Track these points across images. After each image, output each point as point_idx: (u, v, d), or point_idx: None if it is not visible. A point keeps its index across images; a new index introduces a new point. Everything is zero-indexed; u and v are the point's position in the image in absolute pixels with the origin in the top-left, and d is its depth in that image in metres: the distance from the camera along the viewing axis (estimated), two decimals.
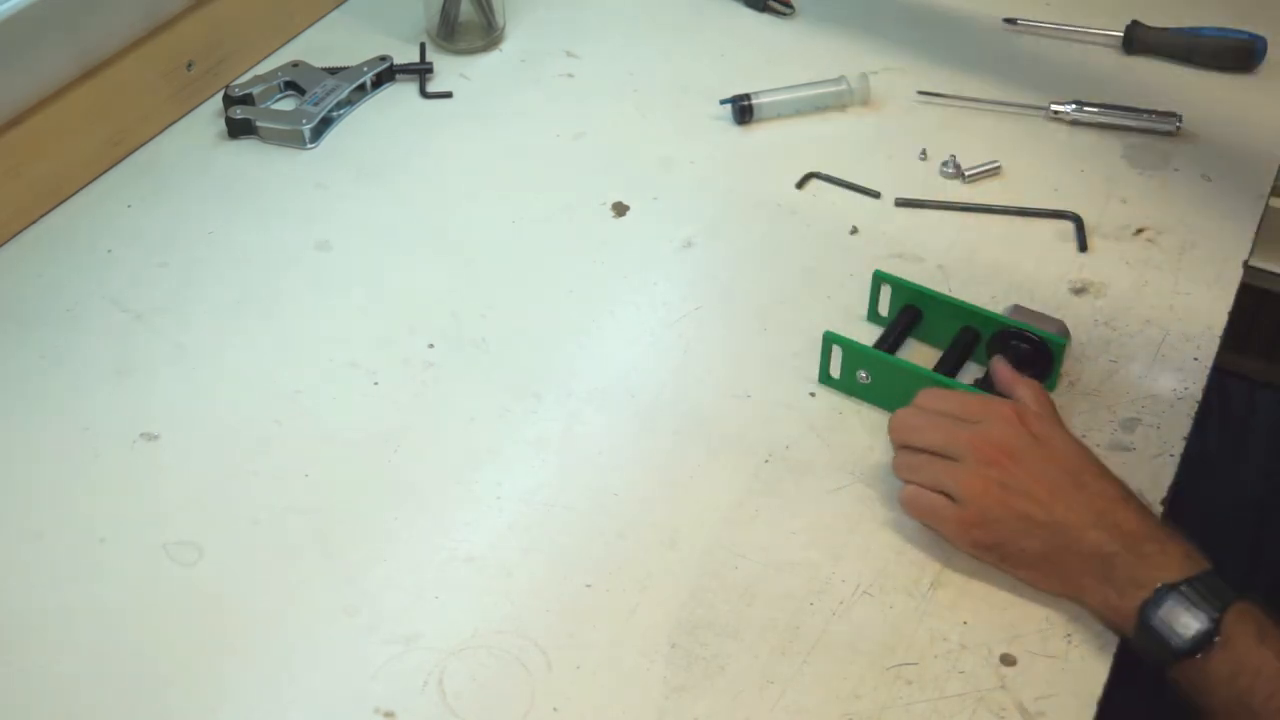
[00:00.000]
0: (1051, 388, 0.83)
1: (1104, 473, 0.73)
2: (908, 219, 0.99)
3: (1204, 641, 0.66)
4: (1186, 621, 0.66)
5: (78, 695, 0.69)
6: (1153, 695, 0.69)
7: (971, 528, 0.73)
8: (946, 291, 0.89)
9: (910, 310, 0.88)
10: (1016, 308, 0.86)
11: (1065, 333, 0.84)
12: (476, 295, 0.93)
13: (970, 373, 0.85)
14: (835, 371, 0.84)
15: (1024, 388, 0.78)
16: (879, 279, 0.88)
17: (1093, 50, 1.16)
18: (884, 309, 0.89)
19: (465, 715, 0.68)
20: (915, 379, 0.81)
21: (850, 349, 0.83)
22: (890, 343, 0.86)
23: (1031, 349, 0.82)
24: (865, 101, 1.10)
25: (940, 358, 0.84)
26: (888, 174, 1.03)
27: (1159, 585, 0.67)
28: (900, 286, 0.88)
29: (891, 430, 0.77)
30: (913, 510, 0.75)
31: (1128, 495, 0.72)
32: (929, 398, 0.78)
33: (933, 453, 0.75)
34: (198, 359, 0.89)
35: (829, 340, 0.84)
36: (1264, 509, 1.17)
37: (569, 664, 0.70)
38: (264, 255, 0.97)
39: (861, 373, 0.83)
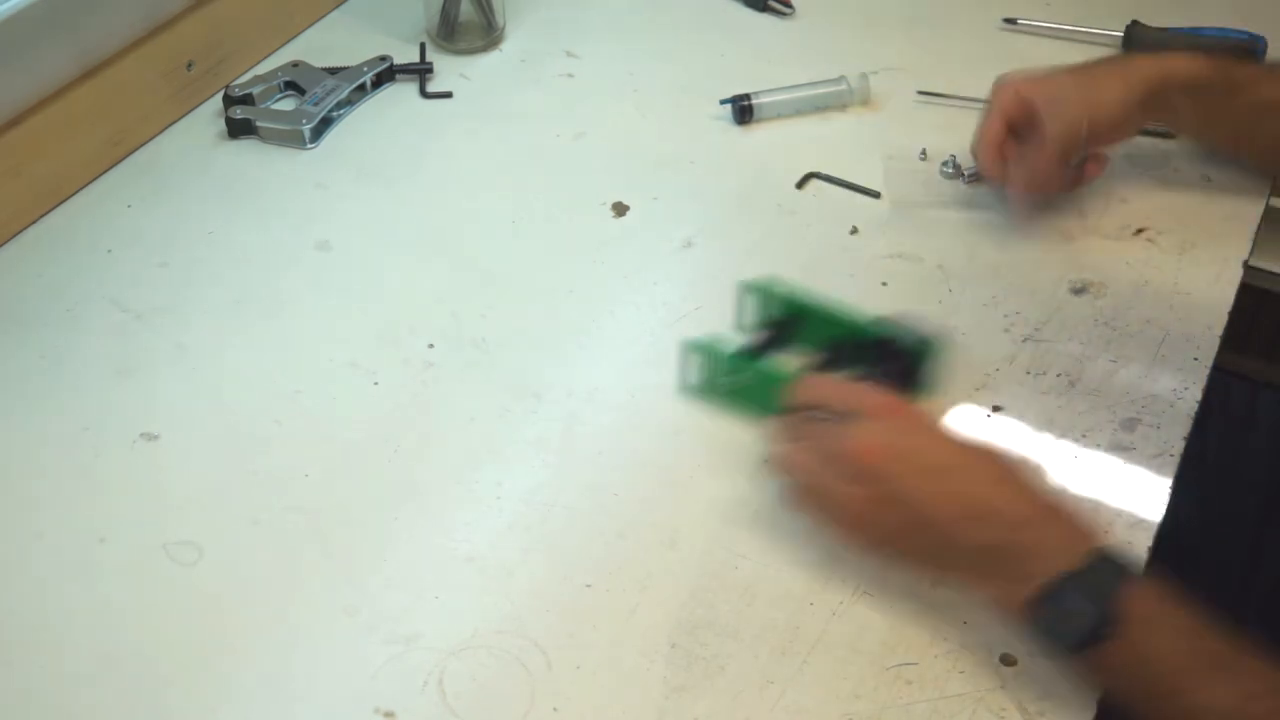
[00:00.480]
0: (925, 394, 0.83)
1: (982, 457, 0.70)
2: (908, 219, 0.99)
3: (1096, 635, 0.64)
4: (1075, 616, 0.64)
5: (78, 695, 0.70)
6: None
7: (853, 534, 0.73)
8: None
9: (782, 319, 0.86)
10: (883, 319, 0.84)
11: (934, 339, 0.82)
12: (476, 295, 0.93)
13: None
14: (700, 379, 0.84)
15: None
16: (747, 289, 0.87)
17: (1093, 50, 1.16)
18: (757, 317, 0.88)
19: (465, 715, 0.68)
20: (779, 384, 0.79)
21: (715, 356, 0.82)
22: (757, 351, 0.85)
23: (900, 355, 0.82)
24: (865, 101, 1.10)
25: (808, 365, 0.83)
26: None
27: (1044, 579, 0.66)
28: (771, 295, 0.87)
29: (774, 454, 0.77)
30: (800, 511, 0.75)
31: (1005, 479, 0.69)
32: (807, 390, 0.76)
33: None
34: (198, 359, 0.89)
35: (694, 348, 0.83)
36: (1264, 509, 1.17)
37: (569, 664, 0.70)
38: (264, 255, 0.97)
39: (724, 380, 0.82)
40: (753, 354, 0.84)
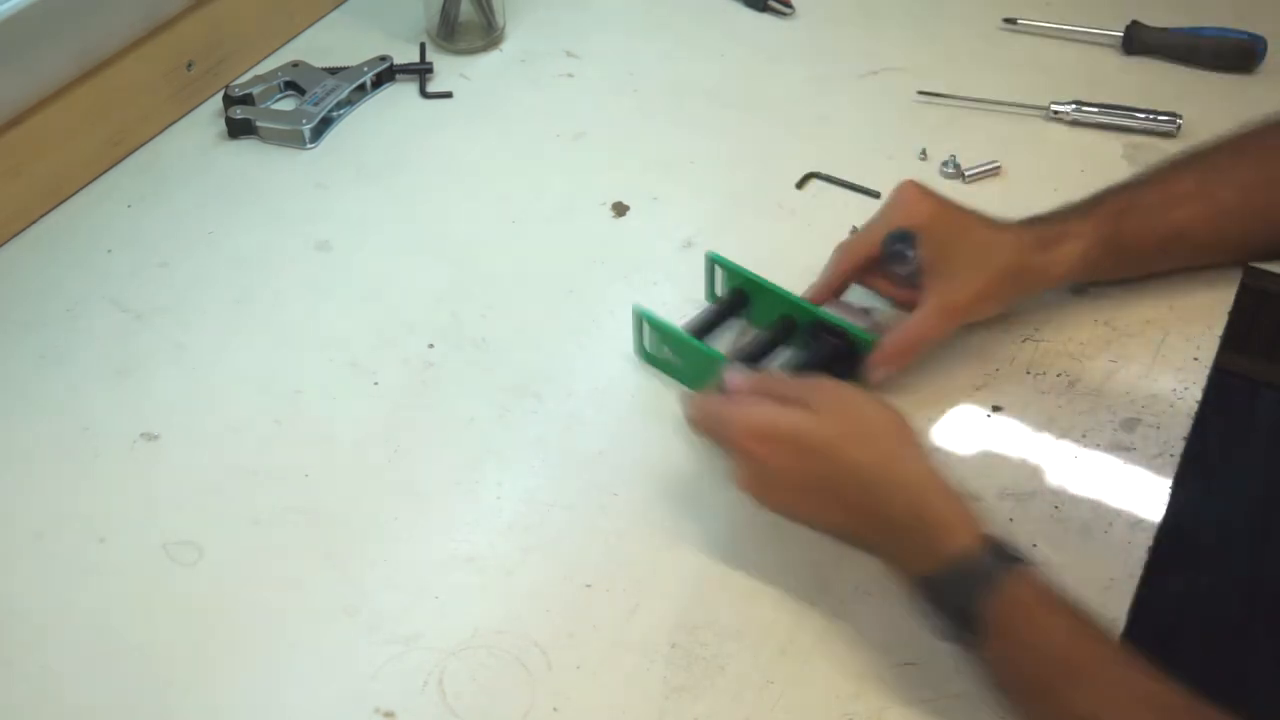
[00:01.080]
0: (857, 384, 0.81)
1: (896, 425, 0.69)
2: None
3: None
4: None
5: (78, 695, 0.70)
6: None
7: (783, 503, 0.72)
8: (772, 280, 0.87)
9: (739, 294, 0.89)
10: (838, 301, 0.87)
11: (879, 329, 0.83)
12: (476, 295, 0.93)
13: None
14: (649, 345, 0.86)
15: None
16: (711, 260, 0.90)
17: (1093, 50, 1.16)
18: (720, 290, 0.91)
19: (465, 715, 0.68)
20: (710, 362, 0.82)
21: (657, 327, 0.85)
22: (705, 324, 0.87)
23: (841, 343, 0.83)
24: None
25: (750, 340, 0.86)
26: (888, 174, 1.02)
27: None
28: (729, 270, 0.89)
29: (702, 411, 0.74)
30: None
31: (914, 449, 0.69)
32: (736, 383, 0.74)
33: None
34: (198, 359, 0.89)
35: (642, 317, 0.85)
36: (1265, 509, 1.17)
37: (569, 664, 0.70)
38: (264, 255, 0.97)
39: (666, 350, 0.85)
40: (699, 330, 0.86)
